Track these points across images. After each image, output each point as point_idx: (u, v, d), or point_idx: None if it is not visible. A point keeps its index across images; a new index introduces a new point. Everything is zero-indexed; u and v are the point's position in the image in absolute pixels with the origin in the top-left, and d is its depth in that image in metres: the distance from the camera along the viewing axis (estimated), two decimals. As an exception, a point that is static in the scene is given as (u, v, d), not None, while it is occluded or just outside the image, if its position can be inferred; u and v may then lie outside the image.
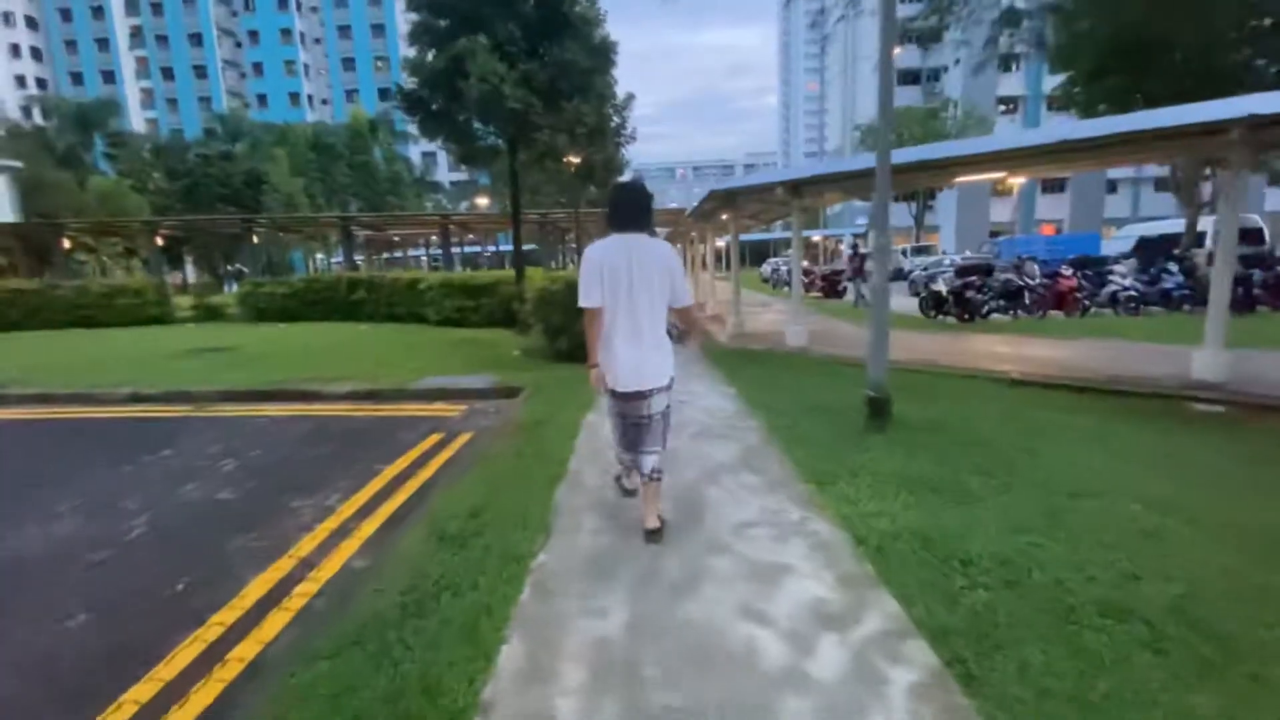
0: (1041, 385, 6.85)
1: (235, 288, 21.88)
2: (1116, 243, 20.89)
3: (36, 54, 62.05)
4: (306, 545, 3.43)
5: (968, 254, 22.62)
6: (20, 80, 59.06)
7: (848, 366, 7.90)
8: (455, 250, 39.74)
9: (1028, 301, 12.34)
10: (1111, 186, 44.09)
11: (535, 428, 5.22)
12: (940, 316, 12.98)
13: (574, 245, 24.50)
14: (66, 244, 17.82)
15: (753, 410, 5.52)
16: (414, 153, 56.45)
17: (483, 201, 29.30)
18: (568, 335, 8.39)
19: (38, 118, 45.04)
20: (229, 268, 27.20)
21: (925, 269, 21.90)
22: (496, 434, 5.21)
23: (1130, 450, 4.39)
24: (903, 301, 19.19)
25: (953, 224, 43.42)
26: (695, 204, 13.11)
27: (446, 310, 13.84)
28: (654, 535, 3.10)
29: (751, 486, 3.78)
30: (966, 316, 12.19)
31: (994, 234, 43.55)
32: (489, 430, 5.53)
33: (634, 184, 3.17)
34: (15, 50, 60.40)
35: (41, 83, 61.30)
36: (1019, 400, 6.05)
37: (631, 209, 2.96)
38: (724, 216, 14.17)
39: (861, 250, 16.88)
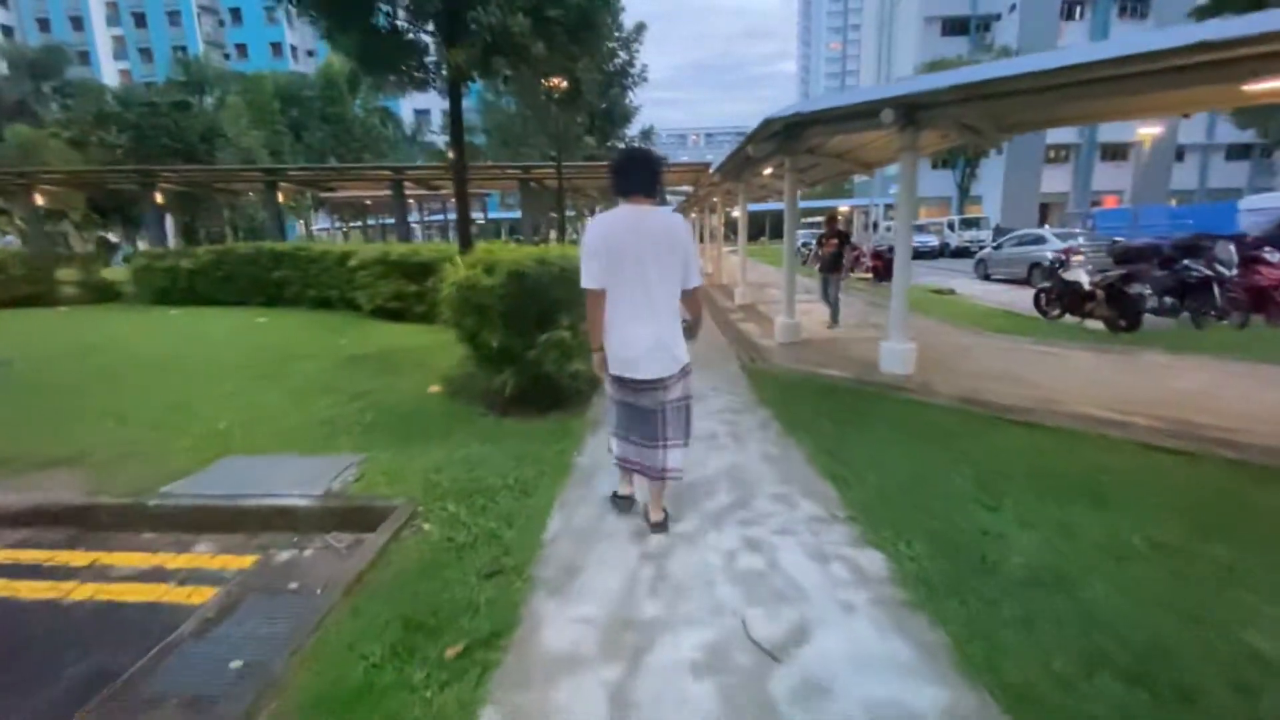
0: None
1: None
2: (1242, 216, 16.70)
3: (0, -2, 57.35)
4: None
5: (1088, 230, 17.97)
6: (-17, 26, 54.57)
7: (1037, 431, 4.16)
8: (439, 219, 35.72)
9: (1218, 301, 8.41)
10: (1178, 155, 39.29)
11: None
12: (1069, 317, 9.11)
13: (570, 213, 20.48)
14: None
15: (990, 696, 1.75)
16: (406, 110, 51.90)
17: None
18: (517, 369, 4.64)
19: (3, 67, 41.09)
20: (101, 235, 23.12)
21: (999, 244, 17.76)
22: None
23: None
24: (975, 287, 15.19)
25: (998, 193, 38.85)
26: (733, 149, 9.15)
27: (382, 296, 10.08)
28: (660, 527, 2.86)
29: None
30: (1123, 322, 8.29)
31: (1044, 205, 39.08)
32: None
33: (641, 149, 3.00)
34: (-24, -7, 55.74)
35: (8, 30, 56.79)
36: None
37: (639, 175, 2.64)
38: (766, 172, 10.23)
39: (842, 226, 9.47)
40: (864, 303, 12.35)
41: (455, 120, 7.42)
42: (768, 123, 6.53)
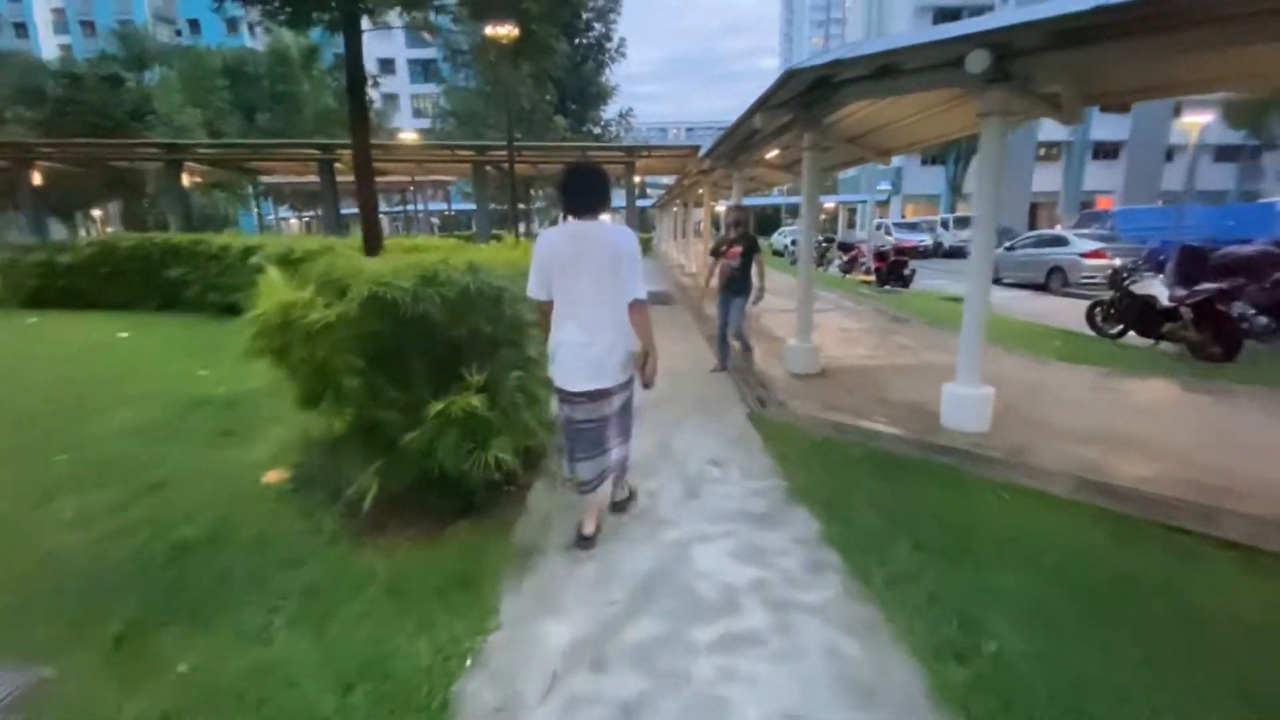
0: None
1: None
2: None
3: (-74, -37, 52.83)
4: None
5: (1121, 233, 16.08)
6: (-95, -6, 50.20)
7: (1247, 567, 2.30)
8: (403, 209, 33.19)
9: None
10: (1168, 155, 38.51)
11: None
12: (1133, 335, 7.43)
13: (540, 204, 18.34)
14: None
15: None
16: (375, 96, 49.07)
17: (409, 137, 22.64)
18: (388, 461, 2.71)
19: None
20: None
21: (1010, 245, 16.07)
22: None
23: None
24: (991, 294, 13.22)
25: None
26: (730, 125, 7.22)
27: (289, 303, 7.99)
28: (619, 507, 3.04)
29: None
30: (1218, 349, 6.59)
31: (1034, 206, 37.93)
32: None
33: (588, 165, 2.77)
34: (-103, -43, 51.25)
35: (-65, -2, 52.38)
36: None
37: (587, 192, 2.64)
38: (770, 155, 8.36)
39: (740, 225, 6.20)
40: (874, 311, 10.58)
41: (353, 67, 5.42)
42: (789, 76, 4.64)
